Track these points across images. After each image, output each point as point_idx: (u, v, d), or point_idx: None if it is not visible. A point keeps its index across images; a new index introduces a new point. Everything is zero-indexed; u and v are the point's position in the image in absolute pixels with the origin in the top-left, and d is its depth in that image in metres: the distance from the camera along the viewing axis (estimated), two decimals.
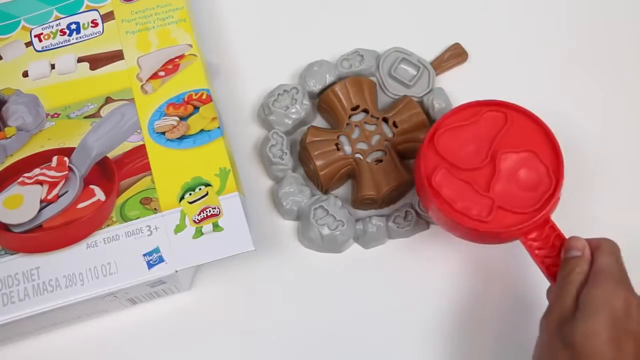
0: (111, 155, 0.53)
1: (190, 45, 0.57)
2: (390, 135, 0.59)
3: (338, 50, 0.62)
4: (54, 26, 0.57)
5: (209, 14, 0.65)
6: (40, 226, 0.51)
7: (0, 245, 0.50)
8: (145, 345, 0.54)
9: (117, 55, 0.56)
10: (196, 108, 0.54)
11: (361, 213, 0.58)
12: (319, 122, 0.62)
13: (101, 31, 0.57)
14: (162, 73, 0.55)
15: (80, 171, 0.52)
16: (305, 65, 0.61)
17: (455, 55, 0.64)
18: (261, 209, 0.59)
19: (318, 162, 0.56)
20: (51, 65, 0.56)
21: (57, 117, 0.54)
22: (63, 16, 0.58)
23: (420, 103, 0.61)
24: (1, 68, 0.56)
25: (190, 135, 0.53)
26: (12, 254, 0.50)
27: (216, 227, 0.50)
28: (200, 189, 0.51)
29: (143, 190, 0.51)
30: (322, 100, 0.60)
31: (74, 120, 0.54)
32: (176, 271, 0.49)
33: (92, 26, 0.57)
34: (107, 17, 0.58)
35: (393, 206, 0.59)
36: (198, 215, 0.50)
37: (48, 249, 0.50)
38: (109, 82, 0.55)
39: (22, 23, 0.57)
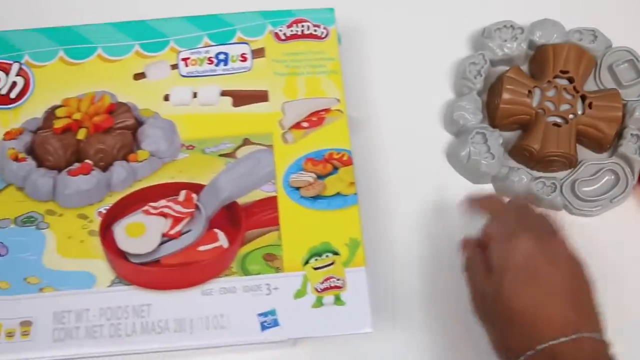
0: (240, 201, 0.51)
1: (338, 100, 0.54)
2: (580, 112, 0.59)
3: None
4: (203, 52, 0.55)
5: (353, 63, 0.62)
6: (157, 261, 0.49)
7: (116, 274, 0.49)
8: None
9: (262, 96, 0.54)
10: (335, 168, 0.52)
11: (512, 163, 0.59)
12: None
13: (249, 67, 0.55)
14: (305, 124, 0.53)
15: (207, 211, 0.50)
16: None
17: None
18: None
19: (505, 96, 0.57)
20: (193, 93, 0.54)
21: (192, 149, 0.52)
22: (213, 44, 0.56)
23: (624, 105, 0.60)
24: (144, 87, 0.54)
25: (325, 196, 0.51)
26: (126, 285, 0.48)
27: (338, 300, 0.48)
28: (327, 255, 0.49)
29: (268, 245, 0.49)
30: (539, 52, 0.61)
31: (209, 156, 0.52)
32: (289, 338, 0.47)
33: (241, 60, 0.55)
34: (258, 53, 0.55)
35: (543, 174, 0.59)
36: (321, 283, 0.48)
37: (162, 286, 0.48)
38: (249, 123, 0.53)
39: (171, 44, 0.56)
